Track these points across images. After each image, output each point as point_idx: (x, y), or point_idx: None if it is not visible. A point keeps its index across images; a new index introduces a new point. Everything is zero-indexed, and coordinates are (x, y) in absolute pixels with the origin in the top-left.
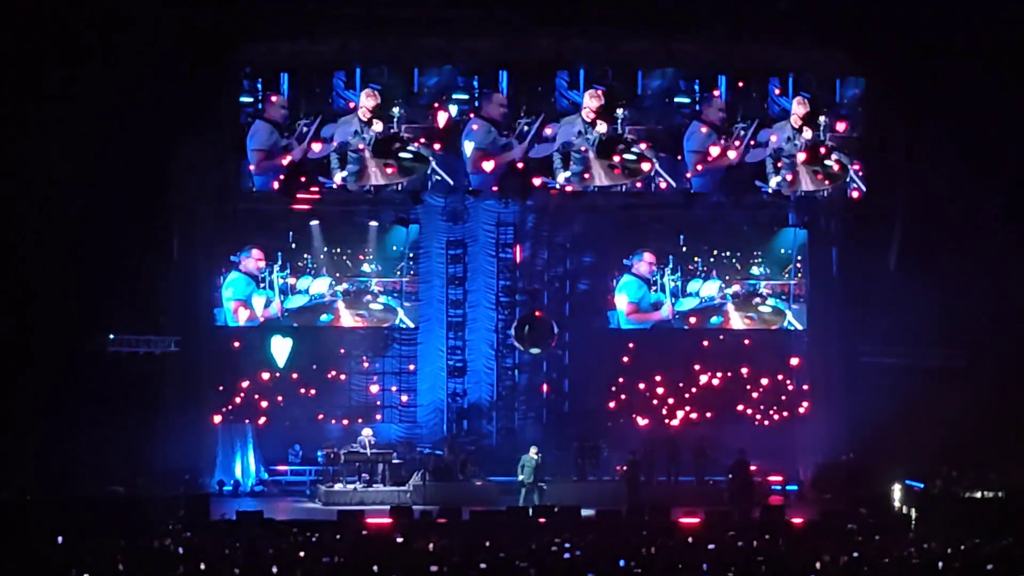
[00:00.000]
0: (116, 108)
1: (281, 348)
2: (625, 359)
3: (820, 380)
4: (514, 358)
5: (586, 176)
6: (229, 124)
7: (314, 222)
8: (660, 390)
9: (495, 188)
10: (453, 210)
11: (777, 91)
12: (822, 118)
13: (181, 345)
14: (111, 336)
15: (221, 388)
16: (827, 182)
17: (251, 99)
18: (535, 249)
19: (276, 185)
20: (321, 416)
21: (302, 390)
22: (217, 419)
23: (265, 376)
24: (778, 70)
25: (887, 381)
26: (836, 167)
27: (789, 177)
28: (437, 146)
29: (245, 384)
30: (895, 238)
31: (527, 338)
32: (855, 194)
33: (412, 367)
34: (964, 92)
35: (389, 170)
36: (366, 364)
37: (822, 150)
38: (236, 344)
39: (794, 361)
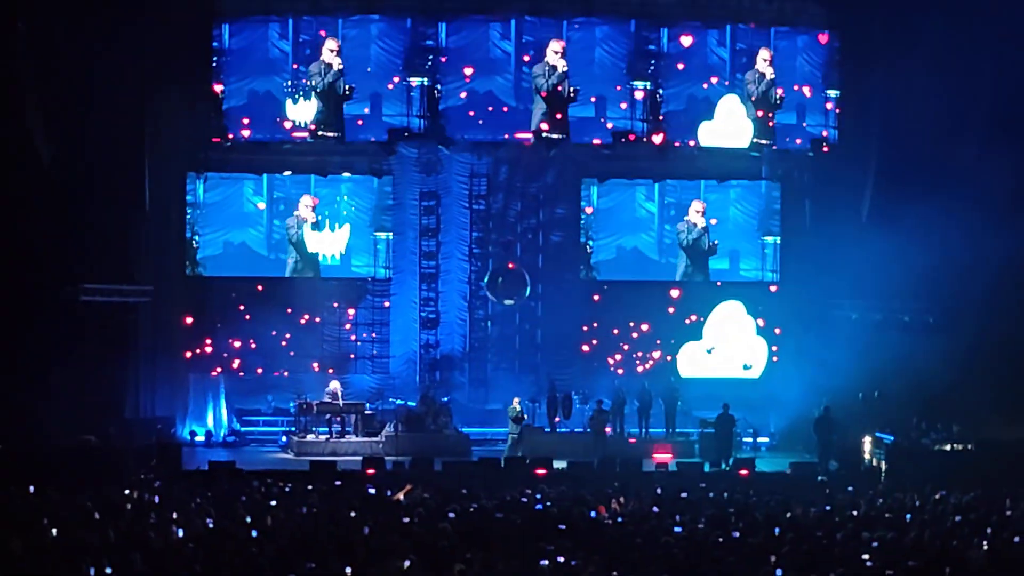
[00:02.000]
0: (90, 56)
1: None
2: (596, 297)
3: (792, 333)
4: (486, 309)
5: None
6: (204, 72)
7: (286, 172)
8: (634, 335)
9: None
10: (427, 161)
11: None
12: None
13: (154, 295)
14: (84, 285)
15: (190, 321)
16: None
17: (226, 46)
18: (508, 200)
19: (249, 134)
20: (293, 353)
21: (274, 332)
22: (188, 355)
23: (239, 320)
24: (749, 23)
25: (859, 334)
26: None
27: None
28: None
29: (217, 332)
30: (867, 190)
31: (500, 289)
32: (826, 132)
33: (387, 303)
34: (935, 44)
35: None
36: (336, 306)
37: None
38: (206, 277)
39: (766, 312)
